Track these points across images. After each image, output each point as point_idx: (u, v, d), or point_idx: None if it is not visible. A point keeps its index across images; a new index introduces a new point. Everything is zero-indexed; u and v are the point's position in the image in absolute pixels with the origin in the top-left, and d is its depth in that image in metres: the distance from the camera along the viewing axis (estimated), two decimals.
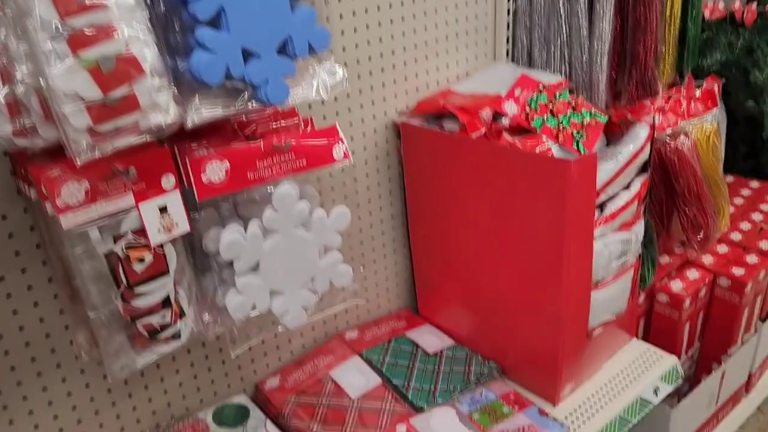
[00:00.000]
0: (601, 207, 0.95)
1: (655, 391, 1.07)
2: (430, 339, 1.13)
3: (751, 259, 1.29)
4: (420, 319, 1.20)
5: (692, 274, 1.25)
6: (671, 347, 1.24)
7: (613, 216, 0.95)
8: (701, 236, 1.20)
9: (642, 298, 1.22)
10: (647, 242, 1.15)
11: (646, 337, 1.27)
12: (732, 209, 1.49)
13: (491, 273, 1.02)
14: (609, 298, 0.99)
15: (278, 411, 0.99)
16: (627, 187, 0.98)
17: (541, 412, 0.94)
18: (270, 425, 0.95)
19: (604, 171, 0.91)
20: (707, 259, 1.30)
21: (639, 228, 1.01)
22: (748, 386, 1.44)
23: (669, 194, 1.21)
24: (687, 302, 1.20)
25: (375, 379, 1.04)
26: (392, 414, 0.97)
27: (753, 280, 1.24)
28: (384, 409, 0.98)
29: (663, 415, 1.16)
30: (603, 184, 0.92)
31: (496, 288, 1.02)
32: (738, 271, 1.25)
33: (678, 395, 1.28)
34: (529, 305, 0.98)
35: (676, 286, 1.22)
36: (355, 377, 1.05)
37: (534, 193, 0.90)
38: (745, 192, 1.57)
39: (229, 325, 0.79)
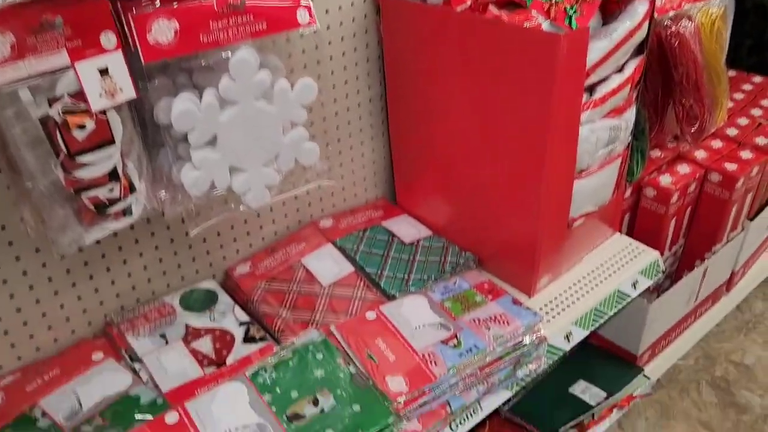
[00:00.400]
0: (591, 90, 0.89)
1: (634, 285, 1.05)
2: (407, 229, 1.10)
3: (746, 154, 1.24)
4: (398, 209, 1.16)
5: (683, 168, 1.21)
6: (655, 243, 1.22)
7: (603, 100, 0.89)
8: (695, 128, 1.15)
9: (629, 192, 1.18)
10: (638, 133, 1.10)
11: (631, 233, 1.25)
12: (731, 104, 1.43)
13: (472, 159, 0.97)
14: (593, 188, 0.95)
15: (247, 297, 0.97)
16: (620, 69, 0.91)
17: (515, 301, 0.92)
18: (238, 310, 0.93)
19: (596, 50, 0.84)
20: (700, 154, 1.25)
21: (630, 115, 0.95)
22: (729, 285, 1.43)
23: (666, 83, 1.14)
24: (674, 197, 1.16)
25: (347, 267, 1.01)
26: (363, 301, 0.95)
27: (745, 176, 1.19)
28: (355, 296, 0.96)
29: (640, 309, 1.15)
30: (594, 64, 0.85)
31: (477, 174, 0.98)
32: (730, 167, 1.20)
33: (658, 291, 1.28)
34: (509, 192, 0.93)
35: (665, 180, 1.17)
36: (327, 265, 1.02)
37: (520, 72, 0.83)
38: (747, 87, 1.50)
39: (187, 203, 0.75)
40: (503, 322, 0.88)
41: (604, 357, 1.26)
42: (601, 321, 1.01)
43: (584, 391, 1.14)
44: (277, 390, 0.77)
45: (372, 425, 0.74)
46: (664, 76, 1.13)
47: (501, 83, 0.86)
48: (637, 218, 1.23)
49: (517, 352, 0.86)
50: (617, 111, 0.93)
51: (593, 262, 1.06)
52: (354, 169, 1.14)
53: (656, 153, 1.24)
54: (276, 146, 0.75)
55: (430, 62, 0.95)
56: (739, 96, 1.46)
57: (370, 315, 0.90)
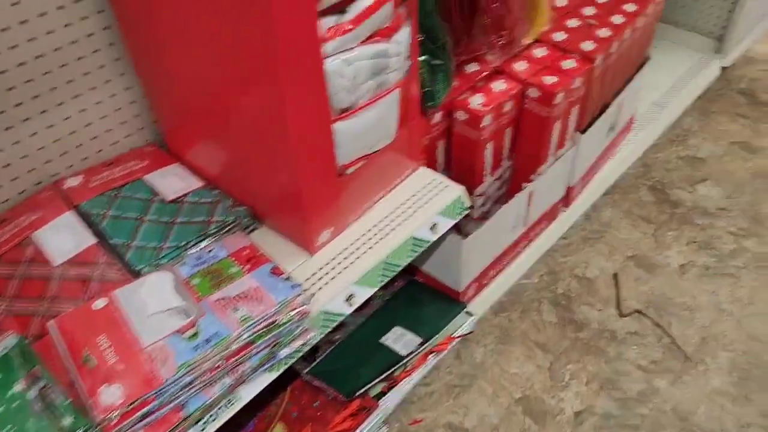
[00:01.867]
0: (342, 11, 0.72)
1: (433, 228, 0.94)
2: (173, 182, 0.93)
3: (568, 64, 1.11)
4: (169, 157, 0.98)
5: (499, 85, 1.07)
6: (472, 170, 1.10)
7: (357, 21, 0.72)
8: (504, 40, 1.00)
9: (439, 116, 1.05)
10: (437, 49, 0.95)
11: (448, 161, 1.12)
12: (565, 2, 1.29)
13: (219, 99, 0.80)
14: (363, 129, 0.80)
15: None
16: None
17: (274, 272, 0.78)
18: None
19: None
20: (520, 66, 1.11)
21: (402, 36, 0.80)
22: (567, 200, 1.36)
23: None
24: (487, 119, 1.03)
25: (88, 239, 0.85)
26: (102, 282, 0.80)
27: (565, 90, 1.07)
28: (92, 277, 0.80)
29: (454, 244, 1.05)
30: None
31: (227, 117, 0.81)
32: (549, 80, 1.07)
33: (486, 216, 1.18)
34: (261, 139, 0.78)
35: (476, 101, 1.04)
36: (63, 238, 0.85)
37: (230, 4, 0.65)
38: None
39: None
40: (256, 299, 0.75)
41: (428, 294, 1.17)
42: (393, 274, 0.90)
43: (397, 339, 1.06)
44: None
45: None
46: None
47: (219, 13, 0.68)
48: (452, 143, 1.10)
49: (272, 333, 0.74)
50: (383, 33, 0.76)
51: (387, 207, 0.94)
52: (107, 113, 0.94)
53: (474, 67, 1.09)
54: None
55: None
56: None
57: (99, 303, 0.75)
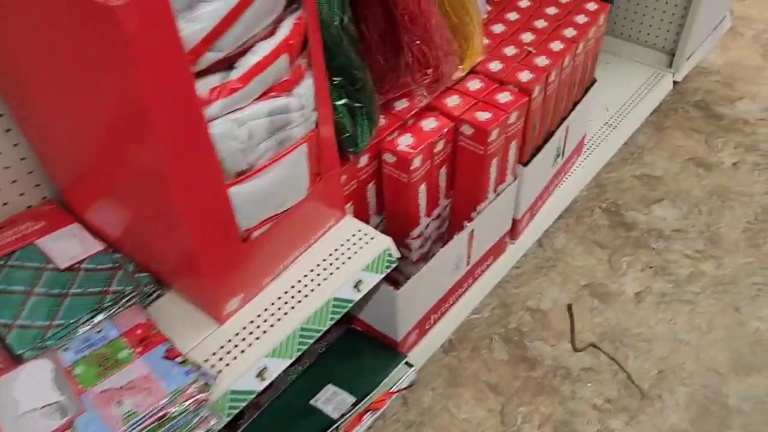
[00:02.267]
0: (230, 67, 0.65)
1: (357, 286, 0.87)
2: (69, 246, 0.85)
3: (504, 97, 1.05)
4: (68, 217, 0.90)
5: (430, 123, 1.01)
6: (407, 211, 1.03)
7: (246, 79, 0.64)
8: (429, 78, 0.94)
9: (366, 159, 0.98)
10: (357, 92, 0.88)
11: (380, 203, 1.05)
12: (503, 28, 1.22)
13: (104, 159, 0.72)
14: (266, 190, 0.73)
15: None
16: (271, 33, 0.66)
17: (168, 355, 0.70)
18: None
19: (208, 15, 0.59)
20: (453, 101, 1.05)
21: (305, 88, 0.72)
22: (514, 233, 1.30)
23: (389, 20, 0.90)
24: (416, 161, 0.96)
25: None
26: None
27: (499, 126, 1.01)
28: None
29: (388, 296, 0.98)
30: (206, 36, 0.59)
31: (117, 181, 0.73)
32: (483, 116, 1.01)
33: (426, 258, 1.11)
34: (152, 205, 0.70)
35: (405, 142, 0.97)
36: None
37: (97, 61, 0.58)
38: (524, 2, 1.29)
39: None
40: (145, 389, 0.67)
41: (366, 344, 1.10)
42: (312, 340, 0.82)
43: (329, 400, 0.98)
44: None
45: None
46: (384, 10, 0.90)
47: (85, 78, 0.60)
48: (383, 188, 1.03)
49: (164, 427, 0.66)
50: (281, 88, 0.69)
51: (306, 265, 0.86)
52: None
53: (403, 104, 1.02)
54: None
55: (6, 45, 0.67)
56: (513, 16, 1.25)
57: None
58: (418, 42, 0.90)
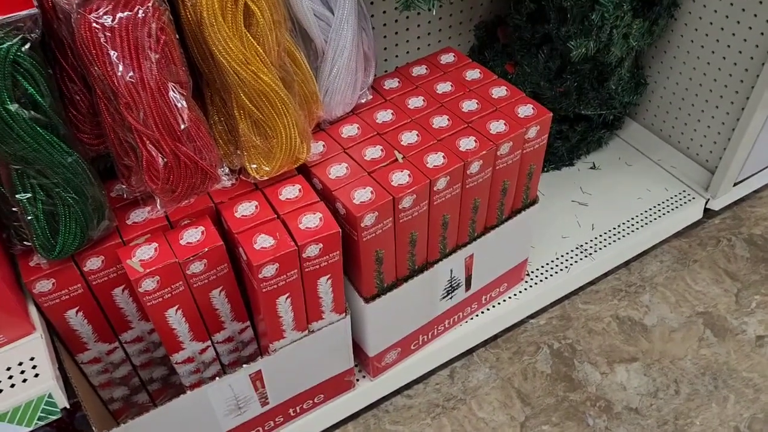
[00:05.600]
0: None
1: None
2: None
3: (308, 221, 0.77)
4: None
5: (194, 234, 0.76)
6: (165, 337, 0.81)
7: None
8: (158, 186, 0.70)
9: (98, 262, 0.76)
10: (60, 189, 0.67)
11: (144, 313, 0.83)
12: (387, 118, 0.94)
13: None
14: None
15: None
16: None
17: None
18: None
19: None
20: (245, 210, 0.79)
21: None
22: (374, 371, 1.02)
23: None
24: (148, 284, 0.73)
25: None
26: None
27: (278, 261, 0.74)
28: None
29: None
30: None
31: None
32: (264, 241, 0.75)
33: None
34: None
35: (144, 254, 0.74)
36: None
37: None
38: (445, 87, 0.98)
39: None
40: None
41: None
42: None
43: None
44: None
45: None
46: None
47: None
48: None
49: None
50: None
51: None
52: None
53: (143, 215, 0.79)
54: None
55: None
56: (416, 102, 0.95)
57: None
58: (123, 133, 0.67)
